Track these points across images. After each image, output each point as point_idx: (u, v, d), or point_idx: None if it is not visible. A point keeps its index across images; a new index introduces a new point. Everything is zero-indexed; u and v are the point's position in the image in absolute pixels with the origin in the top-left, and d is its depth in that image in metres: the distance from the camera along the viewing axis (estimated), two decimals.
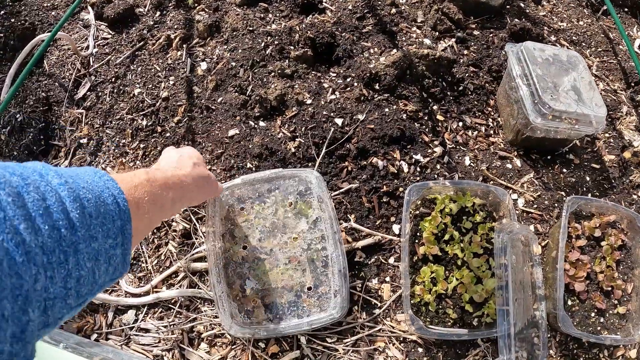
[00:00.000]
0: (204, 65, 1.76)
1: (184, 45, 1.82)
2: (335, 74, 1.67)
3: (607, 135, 1.81)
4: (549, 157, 1.68)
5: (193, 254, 1.47)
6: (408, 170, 1.52)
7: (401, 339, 1.41)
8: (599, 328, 1.49)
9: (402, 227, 1.38)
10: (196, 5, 1.90)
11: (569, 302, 1.47)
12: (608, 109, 1.86)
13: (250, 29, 1.78)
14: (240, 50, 1.73)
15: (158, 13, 1.93)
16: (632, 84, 1.95)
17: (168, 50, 1.83)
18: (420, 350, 1.41)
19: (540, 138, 1.61)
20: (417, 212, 1.46)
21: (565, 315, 1.40)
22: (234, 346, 1.40)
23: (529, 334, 1.43)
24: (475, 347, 1.43)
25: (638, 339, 1.43)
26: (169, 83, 1.76)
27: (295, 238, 1.38)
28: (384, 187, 1.49)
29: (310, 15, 1.83)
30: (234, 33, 1.78)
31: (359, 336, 1.40)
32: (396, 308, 1.43)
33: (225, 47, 1.77)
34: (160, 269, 1.50)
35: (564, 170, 1.67)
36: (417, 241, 1.43)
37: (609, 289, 1.51)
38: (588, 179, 1.69)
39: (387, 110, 1.57)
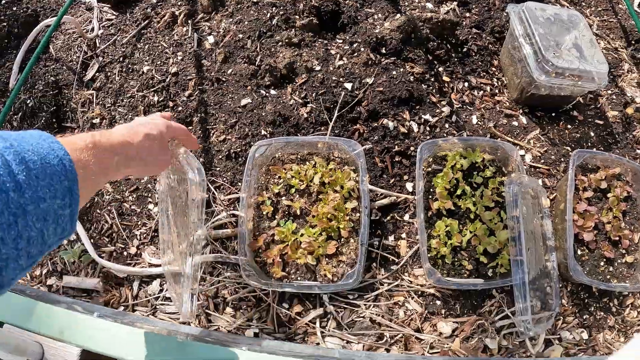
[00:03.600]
0: (211, 39, 1.84)
1: (189, 21, 1.89)
2: (341, 41, 1.75)
3: (609, 92, 1.90)
4: (553, 114, 1.77)
5: (214, 222, 1.56)
6: (418, 130, 1.61)
7: (419, 292, 1.51)
8: (608, 277, 1.59)
9: (415, 184, 1.47)
10: None
11: (579, 252, 1.57)
12: (609, 66, 1.95)
13: (255, 0, 1.85)
14: (246, 22, 1.81)
15: None
16: (633, 42, 2.04)
17: (173, 27, 1.90)
18: (438, 302, 1.50)
19: (544, 95, 1.69)
20: (430, 169, 1.54)
21: (576, 264, 1.49)
22: (259, 308, 1.48)
23: (542, 284, 1.53)
24: (491, 298, 1.52)
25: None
26: (177, 59, 1.83)
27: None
28: (396, 147, 1.57)
29: None
30: (239, 6, 1.86)
31: (379, 292, 1.49)
32: (413, 263, 1.52)
33: (231, 20, 1.84)
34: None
35: (569, 126, 1.76)
36: (430, 197, 1.52)
37: (617, 238, 1.61)
38: (592, 134, 1.78)
39: (394, 73, 1.65)
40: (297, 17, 1.78)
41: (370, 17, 1.79)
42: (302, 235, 1.45)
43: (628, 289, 1.58)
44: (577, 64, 1.60)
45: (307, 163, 1.54)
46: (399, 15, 1.74)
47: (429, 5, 1.85)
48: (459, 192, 1.51)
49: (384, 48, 1.68)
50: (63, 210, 0.69)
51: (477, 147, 1.53)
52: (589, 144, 1.75)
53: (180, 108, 1.74)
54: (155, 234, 1.62)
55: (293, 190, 1.52)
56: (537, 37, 1.62)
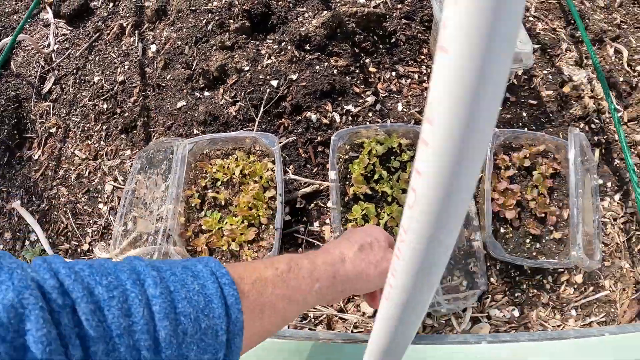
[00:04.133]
0: (153, 48, 1.95)
1: (136, 32, 2.01)
2: (271, 41, 1.83)
3: (544, 72, 1.91)
4: None
5: (155, 216, 1.66)
6: (340, 120, 1.68)
7: None
8: (534, 253, 1.62)
9: (329, 170, 1.54)
10: None
11: (502, 230, 1.60)
12: (546, 46, 1.97)
13: (193, 8, 1.95)
14: (184, 30, 1.91)
15: (111, 4, 2.13)
16: (572, 22, 2.05)
17: (122, 38, 2.03)
18: None
19: None
20: (347, 156, 1.61)
21: (494, 241, 1.53)
22: None
23: (468, 265, 1.57)
24: None
25: (574, 262, 1.55)
26: (124, 68, 1.96)
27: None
28: (318, 137, 1.64)
29: None
30: (179, 14, 1.96)
31: None
32: None
33: (172, 28, 1.95)
34: (127, 234, 1.69)
35: (499, 108, 1.79)
36: (347, 183, 1.58)
37: (543, 215, 1.64)
38: (524, 114, 1.80)
39: (317, 67, 1.72)
40: (231, 21, 1.87)
41: (301, 15, 1.86)
42: (226, 223, 1.53)
43: (554, 265, 1.60)
44: None
45: (231, 157, 1.62)
46: (326, 12, 1.81)
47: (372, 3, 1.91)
48: (376, 177, 1.56)
49: (308, 44, 1.75)
50: None
51: (393, 132, 1.59)
52: (521, 124, 1.78)
53: (126, 114, 1.86)
54: (105, 230, 1.74)
55: (218, 183, 1.61)
56: None
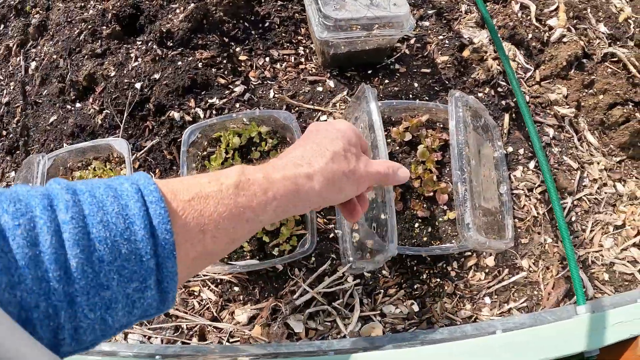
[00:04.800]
0: (33, 65, 1.89)
1: (21, 51, 1.96)
2: (140, 42, 1.74)
3: (440, 37, 1.74)
4: (369, 72, 1.66)
5: None
6: (204, 116, 1.56)
7: (215, 280, 1.45)
8: (425, 239, 1.46)
9: (180, 171, 1.42)
10: (32, 10, 2.04)
11: (382, 216, 1.44)
12: (442, 10, 1.80)
13: (69, 20, 1.88)
14: (60, 43, 1.84)
15: (2, 26, 2.09)
16: None
17: (9, 58, 1.98)
18: (235, 289, 1.43)
19: (349, 53, 1.59)
20: (205, 152, 1.49)
21: (370, 232, 1.38)
22: None
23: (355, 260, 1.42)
24: (292, 277, 1.44)
25: (471, 246, 1.38)
26: (9, 89, 1.90)
27: None
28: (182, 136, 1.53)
29: None
30: (58, 27, 1.90)
31: None
32: None
33: (51, 42, 1.89)
34: None
35: (386, 81, 1.63)
36: None
37: (431, 194, 1.47)
38: (416, 85, 1.64)
39: (180, 63, 1.61)
40: (104, 28, 1.79)
41: (172, 12, 1.76)
42: None
43: (448, 250, 1.44)
44: (365, 12, 1.49)
45: (89, 167, 1.53)
46: (192, 4, 1.70)
47: None
48: None
49: (170, 41, 1.65)
50: (142, 293, 0.53)
51: (250, 120, 1.46)
52: (412, 96, 1.61)
53: (10, 135, 1.80)
54: None
55: None
56: None
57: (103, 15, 1.83)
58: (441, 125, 1.53)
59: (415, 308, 1.44)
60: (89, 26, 1.82)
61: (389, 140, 1.48)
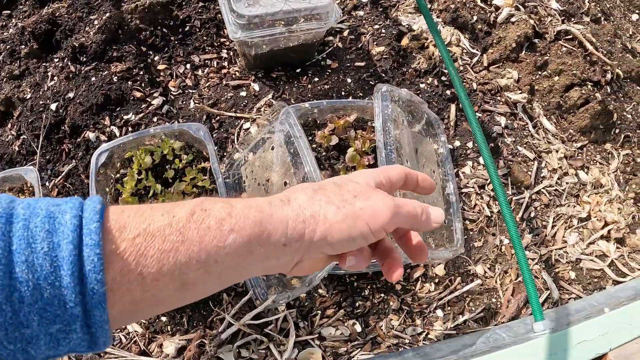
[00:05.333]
0: None
1: None
2: (57, 59, 1.63)
3: (376, 27, 1.60)
4: (297, 71, 1.53)
5: None
6: (120, 133, 1.45)
7: None
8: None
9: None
10: None
11: None
12: None
13: None
14: None
15: None
16: None
17: None
18: (163, 319, 1.34)
19: (272, 52, 1.47)
20: (118, 175, 1.38)
21: None
22: None
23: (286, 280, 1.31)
24: (220, 303, 1.32)
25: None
26: None
27: None
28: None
29: (46, 6, 1.81)
30: None
31: None
32: None
33: None
34: None
35: (316, 79, 1.50)
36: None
37: None
38: (349, 80, 1.51)
39: (94, 79, 1.50)
40: (22, 47, 1.69)
41: (90, 24, 1.65)
42: None
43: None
44: (281, 6, 1.37)
45: None
46: (107, 14, 1.59)
47: None
48: (151, 193, 1.32)
49: (84, 56, 1.54)
50: (68, 334, 0.50)
51: (162, 136, 1.34)
52: (345, 93, 1.48)
53: None
54: None
55: None
56: None
57: (22, 34, 1.73)
58: (373, 125, 1.39)
59: (358, 328, 1.31)
60: (8, 47, 1.72)
61: (314, 145, 1.35)
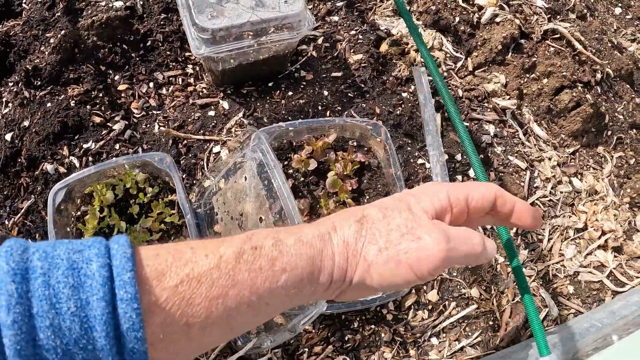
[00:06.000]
0: None
1: None
2: (12, 83, 1.52)
3: (352, 32, 1.50)
4: (269, 85, 1.42)
5: None
6: (80, 164, 1.35)
7: None
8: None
9: (49, 238, 1.21)
10: None
11: None
12: (354, 1, 1.55)
13: None
14: None
15: None
16: None
17: None
18: None
19: (243, 66, 1.36)
20: (79, 212, 1.27)
21: None
22: None
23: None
24: None
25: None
26: None
27: None
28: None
29: (0, 24, 1.69)
30: None
31: None
32: None
33: None
34: None
35: (290, 93, 1.40)
36: None
37: None
38: (326, 93, 1.41)
39: (49, 105, 1.39)
40: None
41: (46, 43, 1.54)
42: None
43: (378, 301, 1.22)
44: (248, 16, 1.25)
45: None
46: (63, 32, 1.48)
47: (118, 3, 1.56)
48: (115, 231, 1.22)
49: (38, 79, 1.43)
50: None
51: (122, 168, 1.24)
52: (321, 107, 1.39)
53: None
54: None
55: None
56: (190, 2, 1.27)
57: None
58: (355, 144, 1.29)
59: None
60: None
61: (290, 171, 1.25)
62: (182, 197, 1.15)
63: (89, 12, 1.57)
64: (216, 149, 1.34)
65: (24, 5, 1.72)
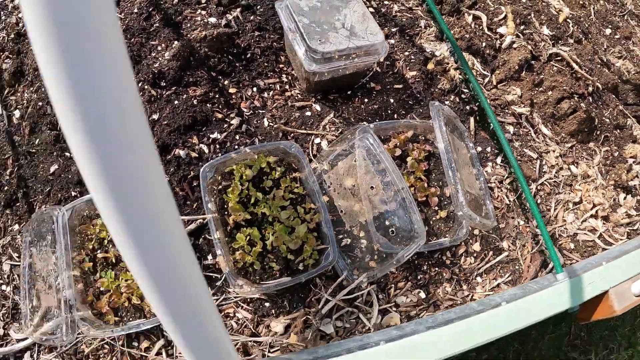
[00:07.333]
0: (17, 113, 1.96)
1: None
2: None
3: (406, 53, 1.99)
4: (349, 93, 1.88)
5: (55, 288, 1.70)
6: (209, 151, 1.73)
7: (247, 300, 1.64)
8: (415, 236, 1.71)
9: (204, 205, 1.59)
10: (1, 54, 2.10)
11: (387, 223, 1.68)
12: (404, 27, 2.04)
13: None
14: (43, 89, 1.93)
15: None
16: None
17: None
18: (267, 304, 1.63)
19: (332, 79, 1.80)
20: (220, 186, 1.67)
21: (380, 237, 1.62)
22: (114, 352, 1.63)
23: (370, 268, 1.65)
24: (314, 286, 1.65)
25: (464, 219, 1.65)
26: None
27: None
28: (191, 172, 1.70)
29: None
30: (36, 73, 1.98)
31: None
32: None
33: (32, 89, 1.97)
34: (35, 310, 1.73)
35: (366, 100, 1.87)
36: (226, 213, 1.64)
37: (424, 198, 1.72)
38: (392, 101, 1.88)
39: (176, 102, 1.76)
40: None
41: (154, 50, 1.90)
42: (122, 280, 1.59)
43: (444, 244, 1.70)
44: (347, 44, 1.69)
45: None
46: (176, 42, 1.85)
47: (212, 20, 1.95)
48: (252, 200, 1.63)
49: (163, 81, 1.79)
50: None
51: (259, 152, 1.65)
52: (390, 111, 1.85)
53: (5, 188, 1.88)
54: (15, 310, 1.76)
55: (105, 241, 1.66)
56: (301, 28, 1.69)
57: None
58: (423, 138, 1.78)
59: (422, 295, 1.70)
60: None
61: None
62: (311, 174, 1.59)
63: (188, 25, 1.95)
64: (317, 140, 1.77)
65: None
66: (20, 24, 2.14)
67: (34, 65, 1.99)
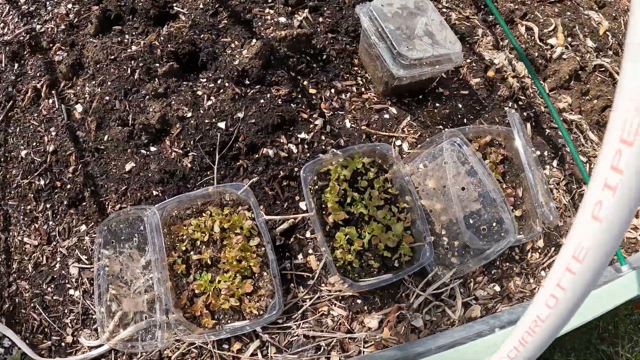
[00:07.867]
0: (79, 108, 1.91)
1: (53, 92, 1.95)
2: (205, 79, 1.86)
3: (468, 61, 2.10)
4: (420, 97, 1.96)
5: (141, 292, 1.68)
6: (297, 150, 1.76)
7: (340, 297, 1.69)
8: (502, 234, 1.82)
9: (306, 204, 1.63)
10: (51, 46, 2.03)
11: (471, 221, 1.78)
12: (464, 35, 2.15)
13: (112, 57, 1.92)
14: (109, 82, 1.89)
15: (16, 65, 2.04)
16: (482, 7, 2.25)
17: (39, 101, 1.96)
18: (359, 301, 1.68)
19: (408, 84, 1.88)
20: (316, 186, 1.71)
21: (472, 236, 1.71)
22: (202, 356, 1.63)
23: (451, 264, 1.74)
24: (403, 283, 1.72)
25: (543, 219, 1.78)
26: (51, 135, 1.90)
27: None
28: (281, 172, 1.72)
29: (166, 25, 2.00)
30: (98, 66, 1.93)
31: (304, 308, 1.65)
32: (326, 273, 1.70)
33: (94, 82, 1.92)
34: (110, 315, 1.69)
35: (437, 104, 1.96)
36: (324, 212, 1.69)
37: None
38: (460, 106, 1.98)
39: (262, 101, 1.78)
40: (157, 65, 1.87)
41: (228, 47, 1.90)
42: (219, 282, 1.59)
43: (522, 240, 1.82)
44: (431, 51, 1.77)
45: (204, 214, 1.67)
46: (254, 40, 1.86)
47: (282, 19, 1.98)
48: (348, 200, 1.68)
49: (247, 79, 1.81)
50: None
51: (354, 154, 1.71)
52: (459, 116, 1.95)
53: (69, 186, 1.82)
54: (85, 316, 1.71)
55: (198, 243, 1.65)
56: (388, 34, 1.75)
57: (151, 52, 1.91)
58: (497, 142, 1.90)
59: (497, 289, 1.81)
60: (140, 64, 1.89)
61: (463, 159, 1.83)
62: (406, 175, 1.66)
63: (259, 24, 1.98)
64: (397, 142, 1.85)
65: (176, 8, 2.05)
66: (70, 15, 2.07)
67: (95, 57, 1.94)
